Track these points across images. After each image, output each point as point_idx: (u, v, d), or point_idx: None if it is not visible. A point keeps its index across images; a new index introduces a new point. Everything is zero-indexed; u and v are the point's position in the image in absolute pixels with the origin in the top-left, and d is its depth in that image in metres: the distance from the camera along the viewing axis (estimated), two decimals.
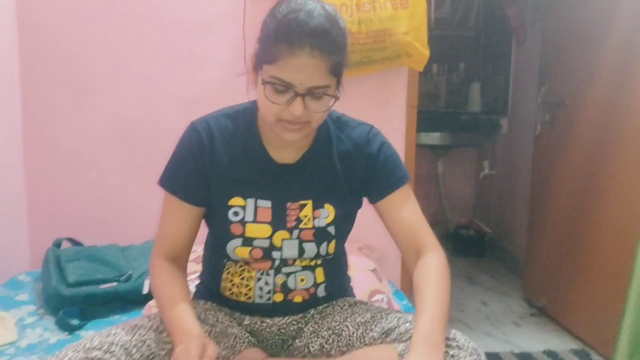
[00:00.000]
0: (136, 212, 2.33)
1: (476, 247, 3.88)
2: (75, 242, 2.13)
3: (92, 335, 1.25)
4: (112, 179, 2.34)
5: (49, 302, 1.78)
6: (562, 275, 2.81)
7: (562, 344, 2.66)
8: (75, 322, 1.70)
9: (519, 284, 3.31)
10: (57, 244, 2.06)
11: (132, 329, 1.28)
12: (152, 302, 1.75)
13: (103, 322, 1.72)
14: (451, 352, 1.20)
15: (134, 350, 1.23)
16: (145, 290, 1.81)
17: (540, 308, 2.99)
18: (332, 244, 1.36)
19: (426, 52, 2.20)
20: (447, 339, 1.21)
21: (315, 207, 1.34)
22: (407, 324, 1.26)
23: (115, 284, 1.80)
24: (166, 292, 1.28)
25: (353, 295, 1.54)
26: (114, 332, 1.26)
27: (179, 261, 1.35)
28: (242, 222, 1.32)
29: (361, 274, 1.93)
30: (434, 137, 3.74)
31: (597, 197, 2.54)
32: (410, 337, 1.23)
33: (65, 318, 1.68)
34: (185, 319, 1.22)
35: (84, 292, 1.77)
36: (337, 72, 1.21)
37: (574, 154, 2.72)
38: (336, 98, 1.23)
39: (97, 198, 2.33)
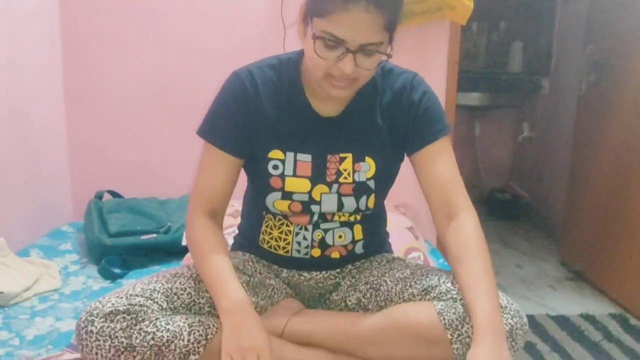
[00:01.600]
0: (174, 166, 2.35)
1: (511, 211, 3.82)
2: (115, 195, 2.17)
3: (134, 282, 1.27)
4: (151, 132, 2.36)
5: (91, 252, 1.82)
6: (601, 240, 2.75)
7: (599, 308, 2.62)
8: (117, 270, 1.73)
9: (555, 248, 3.26)
10: (99, 196, 2.10)
11: (172, 277, 1.30)
12: (189, 255, 1.77)
13: (143, 271, 1.76)
14: None
15: (174, 298, 1.25)
16: (184, 242, 1.83)
17: (578, 272, 2.95)
18: (372, 198, 1.34)
19: (470, 4, 2.12)
20: None
21: (356, 161, 1.32)
22: (449, 284, 1.24)
23: (155, 235, 1.82)
24: (206, 248, 1.28)
25: (392, 252, 1.53)
26: (155, 279, 1.28)
27: (217, 216, 1.35)
28: (282, 176, 1.31)
29: (397, 231, 1.92)
30: (471, 98, 3.65)
31: None
32: (451, 298, 1.21)
33: (107, 267, 1.72)
34: (227, 281, 1.22)
35: (125, 242, 1.80)
36: (391, 28, 1.16)
37: (620, 115, 2.63)
38: (388, 56, 1.20)
39: (136, 151, 2.36)
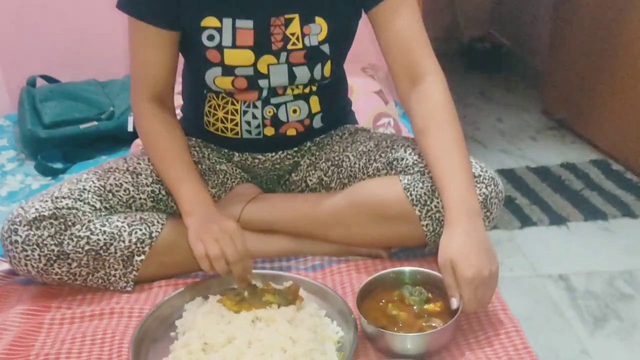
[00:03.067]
0: (115, 42, 2.10)
1: (492, 61, 3.63)
2: (51, 80, 1.95)
3: (61, 183, 1.13)
4: (85, 3, 2.08)
5: (26, 147, 1.65)
6: (584, 85, 2.62)
7: (581, 156, 2.54)
8: (57, 165, 1.59)
9: (538, 97, 3.13)
10: (31, 83, 1.89)
11: (105, 172, 1.15)
12: (138, 140, 1.61)
13: (88, 164, 1.61)
14: None
15: (109, 196, 1.12)
16: (130, 128, 1.67)
17: (560, 121, 2.84)
18: (328, 65, 1.17)
19: None
20: None
21: (304, 22, 1.12)
22: (416, 156, 1.11)
23: (95, 122, 1.65)
24: (162, 145, 1.15)
25: (355, 122, 1.38)
26: (85, 177, 1.13)
27: (166, 101, 1.18)
28: (220, 48, 1.12)
29: (364, 96, 1.76)
30: None
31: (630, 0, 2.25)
32: (418, 171, 1.09)
33: (44, 162, 1.57)
34: (185, 181, 1.11)
35: (62, 133, 1.63)
36: None
37: None
38: None
39: (69, 28, 2.10)
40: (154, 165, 1.16)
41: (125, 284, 1.11)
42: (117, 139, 1.69)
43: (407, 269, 1.02)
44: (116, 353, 0.95)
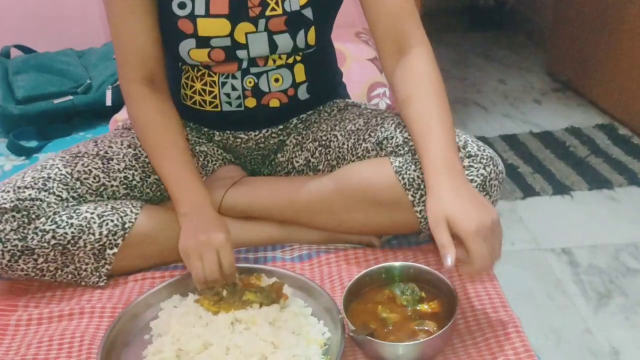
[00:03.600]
0: (94, 8, 1.98)
1: (495, 19, 3.49)
2: (25, 50, 1.84)
3: (25, 170, 1.05)
4: None
5: None
6: (590, 46, 2.51)
7: (586, 119, 2.45)
8: (31, 144, 1.50)
9: (542, 58, 3.01)
10: (5, 54, 1.78)
11: (72, 158, 1.06)
12: (118, 116, 1.52)
13: (66, 141, 1.52)
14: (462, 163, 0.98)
15: (77, 184, 1.03)
16: (108, 102, 1.57)
17: (565, 82, 2.74)
18: (312, 32, 1.07)
19: None
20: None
21: None
22: (406, 134, 1.02)
23: (71, 97, 1.55)
24: (158, 137, 1.06)
25: (345, 95, 1.28)
26: (50, 163, 1.05)
27: (155, 80, 1.08)
28: (192, 17, 1.02)
29: (358, 64, 1.65)
30: None
31: None
32: (409, 151, 1.00)
33: (17, 140, 1.48)
34: (182, 179, 1.02)
35: (35, 109, 1.53)
36: None
37: None
38: None
39: None
40: (149, 157, 1.07)
41: (97, 279, 1.04)
42: (95, 113, 1.59)
43: (397, 264, 0.94)
44: (85, 359, 0.88)
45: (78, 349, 0.90)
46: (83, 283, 1.04)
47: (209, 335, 0.85)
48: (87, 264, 1.03)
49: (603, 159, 2.16)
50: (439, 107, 0.96)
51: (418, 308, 0.88)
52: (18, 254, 0.98)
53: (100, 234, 1.01)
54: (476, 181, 0.96)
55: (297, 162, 1.18)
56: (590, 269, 1.70)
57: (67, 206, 1.01)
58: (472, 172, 0.97)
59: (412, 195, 0.99)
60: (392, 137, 1.02)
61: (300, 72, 1.12)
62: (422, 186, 0.98)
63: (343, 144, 1.10)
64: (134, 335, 0.92)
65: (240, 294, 0.92)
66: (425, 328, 0.84)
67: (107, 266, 1.03)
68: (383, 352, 0.81)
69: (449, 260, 0.81)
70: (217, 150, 1.21)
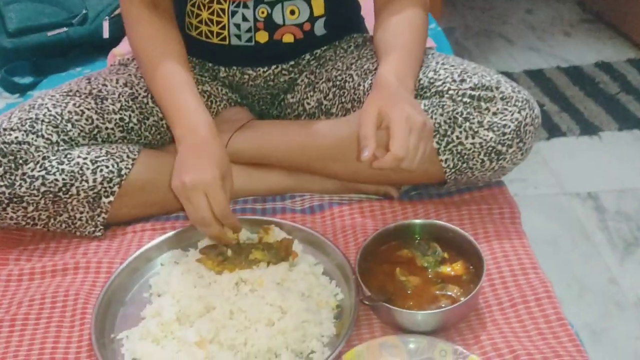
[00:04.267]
0: None
1: None
2: None
3: (13, 110, 0.96)
4: None
5: None
6: None
7: (618, 54, 2.30)
8: (25, 80, 1.40)
9: None
10: None
11: (63, 98, 0.97)
12: (116, 50, 1.41)
13: (61, 77, 1.41)
14: (493, 108, 0.88)
15: (68, 126, 0.95)
16: (106, 34, 1.46)
17: (596, 13, 2.56)
18: None
19: None
20: (488, 88, 0.88)
21: None
22: (431, 74, 0.91)
23: (65, 28, 1.43)
24: (157, 50, 0.96)
25: (364, 30, 1.16)
26: (39, 103, 0.96)
27: (162, 4, 0.98)
28: None
29: None
30: None
31: None
32: (436, 92, 0.90)
33: (10, 77, 1.38)
34: (179, 98, 0.92)
35: (29, 42, 1.42)
36: None
37: None
38: None
39: None
40: (145, 77, 0.98)
41: (93, 229, 0.97)
42: (93, 47, 1.48)
43: (418, 221, 0.85)
44: (79, 320, 0.82)
45: (72, 308, 0.83)
46: (78, 233, 0.97)
47: (211, 298, 0.78)
48: (81, 212, 0.95)
49: (635, 96, 2.03)
50: (414, 40, 0.94)
51: (440, 270, 0.80)
52: (6, 202, 0.91)
53: (94, 180, 0.93)
54: (509, 126, 0.87)
55: (309, 103, 1.07)
56: (617, 215, 1.61)
57: (58, 150, 0.93)
58: (505, 116, 0.87)
59: (437, 142, 0.89)
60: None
61: (318, 4, 1.01)
62: (448, 132, 0.89)
63: (359, 84, 1.00)
64: (132, 293, 0.86)
65: (247, 252, 0.84)
66: (448, 293, 0.76)
67: (103, 215, 0.96)
68: (401, 319, 0.74)
69: (366, 152, 0.77)
70: (222, 90, 1.11)
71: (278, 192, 1.04)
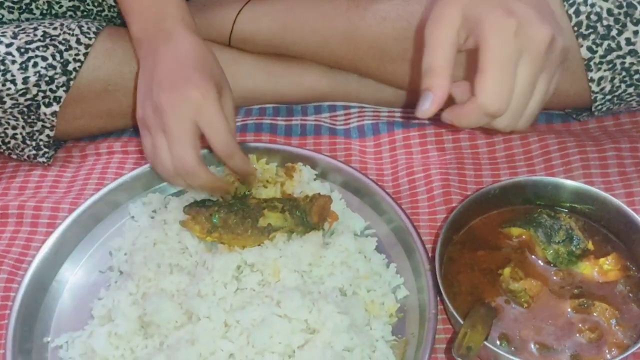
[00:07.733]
0: None
1: None
2: None
3: None
4: None
5: None
6: None
7: None
8: None
9: None
10: None
11: None
12: None
13: None
14: None
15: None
16: None
17: None
18: None
19: None
20: None
21: None
22: None
23: None
24: None
25: None
26: None
27: None
28: None
29: None
30: None
31: None
32: None
33: None
34: None
35: None
36: None
37: None
38: None
39: None
40: None
41: (34, 152, 0.66)
42: None
43: (548, 179, 0.50)
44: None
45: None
46: (15, 157, 0.66)
47: (196, 301, 0.48)
48: (14, 128, 0.64)
49: None
50: None
51: (576, 269, 0.47)
52: None
53: (26, 81, 0.60)
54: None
55: None
56: None
57: None
58: None
59: (587, 48, 0.52)
60: None
61: None
62: (613, 31, 0.51)
63: None
64: (83, 263, 0.56)
65: (256, 212, 0.52)
66: (594, 317, 0.44)
67: (47, 132, 0.64)
68: None
69: (427, 103, 0.44)
70: None
71: (310, 100, 0.71)
